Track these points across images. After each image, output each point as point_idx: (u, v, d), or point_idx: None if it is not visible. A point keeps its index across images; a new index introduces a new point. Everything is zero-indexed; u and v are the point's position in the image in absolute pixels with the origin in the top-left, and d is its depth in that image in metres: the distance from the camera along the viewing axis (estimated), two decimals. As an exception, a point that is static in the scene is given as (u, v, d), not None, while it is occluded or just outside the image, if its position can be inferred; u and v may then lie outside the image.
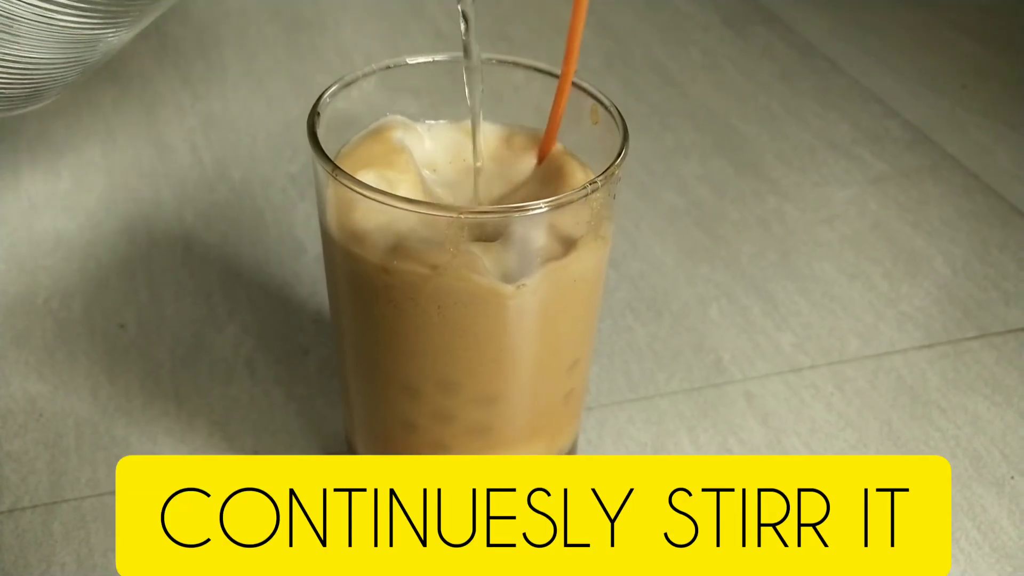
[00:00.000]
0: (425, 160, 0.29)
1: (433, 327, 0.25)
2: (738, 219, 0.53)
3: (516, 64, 0.30)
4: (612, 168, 0.25)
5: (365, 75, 0.29)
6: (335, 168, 0.25)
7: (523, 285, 0.25)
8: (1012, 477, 0.38)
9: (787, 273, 0.49)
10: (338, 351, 0.31)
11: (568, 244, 0.26)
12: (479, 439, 0.29)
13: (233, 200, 0.53)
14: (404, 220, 0.24)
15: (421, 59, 0.30)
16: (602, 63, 0.68)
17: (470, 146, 0.29)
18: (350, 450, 0.34)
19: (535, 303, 0.25)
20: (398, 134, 0.28)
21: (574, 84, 0.29)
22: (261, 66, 0.65)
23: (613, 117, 0.28)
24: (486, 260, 0.24)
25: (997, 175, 0.58)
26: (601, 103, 0.28)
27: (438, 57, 0.30)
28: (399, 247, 0.25)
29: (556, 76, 0.30)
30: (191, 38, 0.68)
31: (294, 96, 0.62)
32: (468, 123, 0.29)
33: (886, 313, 0.47)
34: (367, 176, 0.26)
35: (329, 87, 0.28)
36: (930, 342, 0.45)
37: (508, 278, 0.25)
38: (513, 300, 0.25)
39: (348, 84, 0.29)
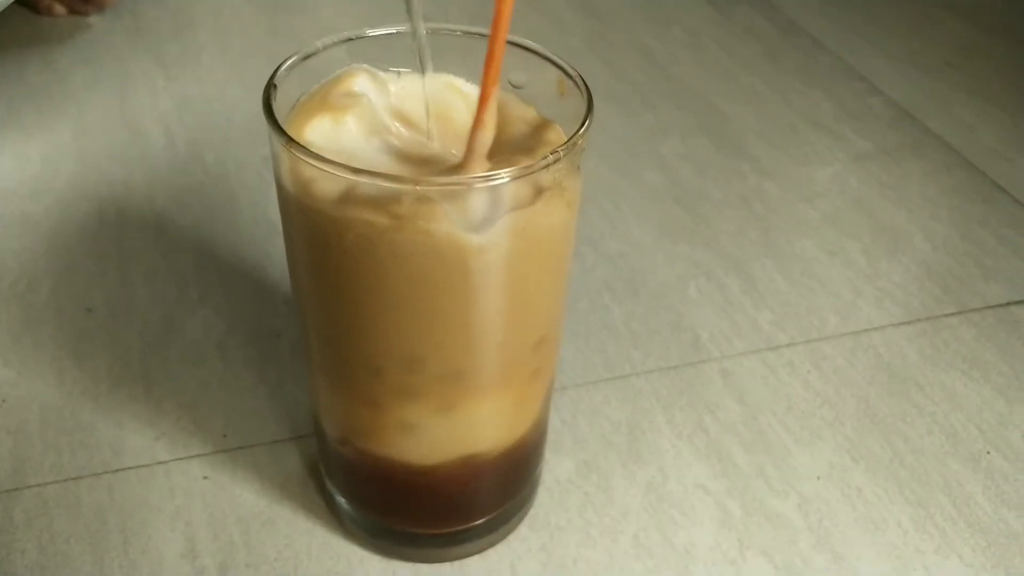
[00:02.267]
0: (391, 107, 0.28)
1: (392, 281, 0.24)
2: (718, 197, 0.53)
3: (484, 36, 0.30)
4: (575, 138, 0.25)
5: (325, 47, 0.28)
6: (289, 140, 0.24)
7: (485, 239, 0.24)
8: (988, 452, 0.38)
9: (767, 251, 0.49)
10: (301, 327, 0.31)
11: (534, 195, 0.25)
12: (445, 417, 0.29)
13: (207, 183, 0.52)
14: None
15: (382, 31, 0.29)
16: (583, 42, 0.68)
17: (440, 94, 0.28)
18: (317, 431, 0.33)
19: (497, 259, 0.25)
20: (359, 80, 0.28)
21: (540, 55, 0.28)
22: (237, 47, 0.64)
23: (578, 87, 0.27)
24: (446, 210, 0.23)
25: (980, 152, 0.57)
26: (567, 74, 0.28)
27: (401, 28, 0.29)
28: (353, 197, 0.24)
29: (524, 48, 0.29)
30: (165, 19, 0.67)
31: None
32: (440, 75, 0.28)
33: (865, 290, 0.46)
34: (323, 121, 0.26)
35: (287, 59, 0.28)
36: (909, 319, 0.45)
37: (469, 229, 0.24)
38: (475, 256, 0.24)
39: (307, 56, 0.28)
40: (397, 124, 0.28)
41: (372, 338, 0.27)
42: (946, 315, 0.45)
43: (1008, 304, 0.46)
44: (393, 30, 0.29)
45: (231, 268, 0.46)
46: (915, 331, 0.44)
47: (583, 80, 0.27)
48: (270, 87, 0.26)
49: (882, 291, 0.46)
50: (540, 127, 0.27)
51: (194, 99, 0.59)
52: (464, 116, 0.28)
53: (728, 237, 0.50)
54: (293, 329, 0.43)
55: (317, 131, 0.26)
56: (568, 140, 0.25)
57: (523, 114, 0.28)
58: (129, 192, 0.51)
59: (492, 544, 0.34)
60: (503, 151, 0.26)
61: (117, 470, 0.36)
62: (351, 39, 0.29)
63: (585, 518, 0.35)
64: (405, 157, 0.26)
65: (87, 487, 0.36)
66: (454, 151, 0.27)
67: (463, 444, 0.30)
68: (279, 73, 0.27)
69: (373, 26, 0.29)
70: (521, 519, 0.35)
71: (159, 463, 0.37)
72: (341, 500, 0.34)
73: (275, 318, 0.43)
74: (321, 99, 0.27)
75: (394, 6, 0.28)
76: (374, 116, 0.27)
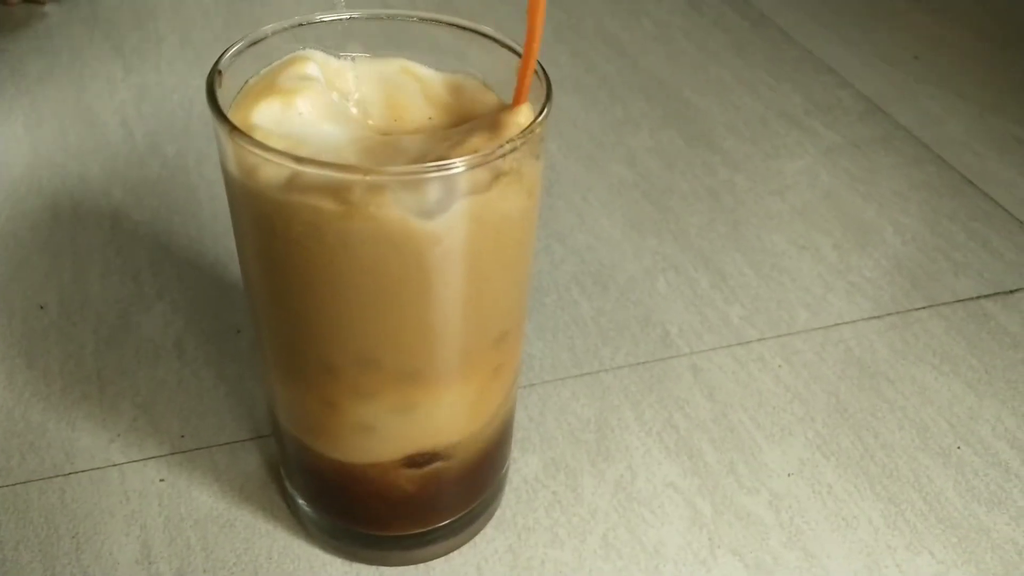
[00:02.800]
0: (343, 91, 0.27)
1: (343, 271, 0.23)
2: (687, 191, 0.52)
3: (441, 23, 0.29)
4: (533, 125, 0.24)
5: (275, 32, 0.27)
6: (233, 129, 0.23)
7: (439, 225, 0.23)
8: (958, 447, 0.38)
9: (736, 245, 0.48)
10: (255, 323, 0.29)
11: (491, 180, 0.24)
12: (404, 416, 0.28)
13: (166, 176, 0.51)
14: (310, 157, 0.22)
15: (333, 16, 0.28)
16: (552, 34, 0.67)
17: (397, 79, 0.27)
18: (276, 431, 0.32)
19: (453, 247, 0.24)
20: (310, 63, 0.27)
21: (499, 42, 0.28)
22: (198, 37, 0.63)
23: (538, 75, 0.26)
24: (398, 196, 0.22)
25: (948, 145, 0.57)
26: (526, 61, 0.27)
27: (354, 14, 0.28)
28: (300, 184, 0.23)
29: (484, 35, 0.28)
30: (125, 7, 0.65)
31: (232, 68, 0.60)
32: (395, 59, 0.27)
33: (835, 284, 0.46)
34: (271, 105, 0.25)
35: (233, 44, 0.27)
36: (879, 313, 0.44)
37: (422, 215, 0.23)
38: (429, 243, 0.23)
39: (255, 42, 0.27)
40: (350, 108, 0.27)
41: (325, 333, 0.26)
42: (916, 309, 0.45)
43: (978, 298, 0.45)
44: (346, 15, 0.28)
45: (190, 263, 0.45)
46: (885, 325, 0.44)
47: (542, 67, 0.26)
48: (214, 73, 0.25)
49: (852, 285, 0.46)
50: (500, 110, 0.27)
51: (153, 90, 0.57)
52: (419, 100, 0.28)
53: (697, 231, 0.49)
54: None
55: (265, 115, 0.25)
56: (527, 128, 0.24)
57: (483, 98, 0.28)
58: (84, 186, 0.49)
59: (458, 546, 0.33)
60: (460, 132, 0.26)
61: (69, 473, 0.35)
62: (301, 24, 0.28)
63: (553, 518, 0.34)
64: (357, 142, 0.25)
65: (37, 491, 0.34)
66: (406, 136, 0.26)
67: (424, 444, 0.29)
68: (224, 59, 0.26)
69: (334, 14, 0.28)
70: (487, 520, 0.34)
71: (113, 465, 0.35)
72: (302, 502, 0.33)
73: (235, 314, 0.42)
74: (269, 82, 0.26)
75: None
76: (326, 100, 0.26)
